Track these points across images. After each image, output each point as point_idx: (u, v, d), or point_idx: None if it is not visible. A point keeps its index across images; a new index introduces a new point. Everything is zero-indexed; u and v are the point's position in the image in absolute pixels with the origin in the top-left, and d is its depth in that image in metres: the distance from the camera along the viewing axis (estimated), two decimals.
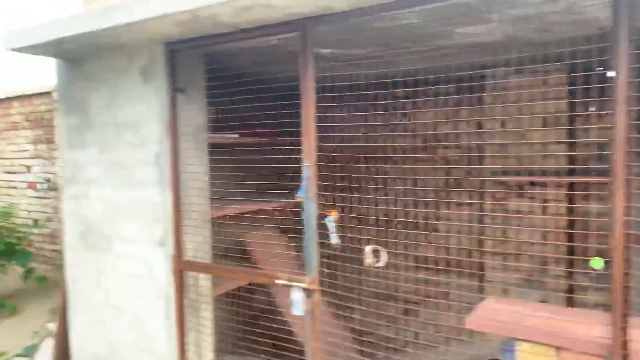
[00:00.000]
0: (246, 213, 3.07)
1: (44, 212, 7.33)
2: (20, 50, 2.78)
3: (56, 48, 2.74)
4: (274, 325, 3.05)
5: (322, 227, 2.11)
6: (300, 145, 2.11)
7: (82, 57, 2.91)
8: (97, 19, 2.35)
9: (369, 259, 2.08)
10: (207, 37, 2.43)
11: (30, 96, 7.26)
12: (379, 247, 2.11)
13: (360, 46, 2.68)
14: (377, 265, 2.10)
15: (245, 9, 1.94)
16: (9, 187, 7.71)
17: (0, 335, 5.24)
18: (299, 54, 2.13)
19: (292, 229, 3.15)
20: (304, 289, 2.12)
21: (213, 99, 2.83)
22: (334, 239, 2.11)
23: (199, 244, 2.74)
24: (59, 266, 7.23)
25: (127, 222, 2.79)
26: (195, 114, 2.73)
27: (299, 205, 2.09)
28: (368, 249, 2.09)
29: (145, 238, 2.72)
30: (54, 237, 7.24)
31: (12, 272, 6.22)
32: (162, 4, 2.01)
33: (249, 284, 3.32)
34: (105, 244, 2.91)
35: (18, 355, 4.56)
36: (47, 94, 6.97)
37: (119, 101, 2.78)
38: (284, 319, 3.28)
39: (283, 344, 2.92)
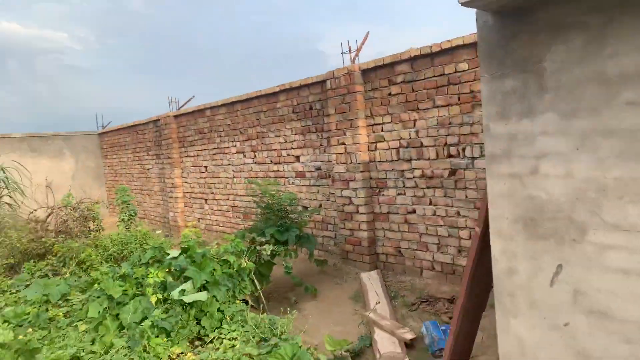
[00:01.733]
0: None
1: (314, 199, 7.54)
2: (471, 3, 2.36)
3: None
4: None
5: None
6: None
7: (535, 4, 2.38)
8: None
9: None
10: None
11: (298, 88, 7.48)
12: None
13: None
14: None
15: None
16: (277, 177, 8.13)
17: (319, 319, 5.18)
18: None
19: None
20: None
21: None
22: None
23: None
24: (329, 252, 7.38)
25: (622, 206, 2.17)
26: None
27: None
28: None
29: None
30: (325, 223, 7.40)
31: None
32: None
33: None
34: (572, 232, 2.34)
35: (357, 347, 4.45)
36: (317, 84, 7.07)
37: (607, 50, 2.16)
38: None
39: None
